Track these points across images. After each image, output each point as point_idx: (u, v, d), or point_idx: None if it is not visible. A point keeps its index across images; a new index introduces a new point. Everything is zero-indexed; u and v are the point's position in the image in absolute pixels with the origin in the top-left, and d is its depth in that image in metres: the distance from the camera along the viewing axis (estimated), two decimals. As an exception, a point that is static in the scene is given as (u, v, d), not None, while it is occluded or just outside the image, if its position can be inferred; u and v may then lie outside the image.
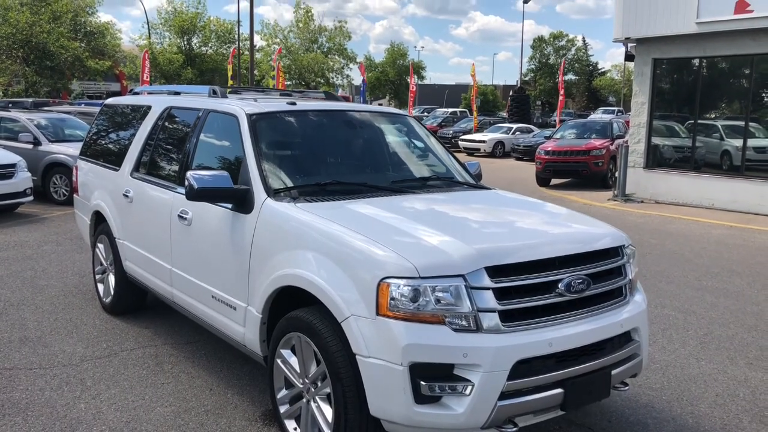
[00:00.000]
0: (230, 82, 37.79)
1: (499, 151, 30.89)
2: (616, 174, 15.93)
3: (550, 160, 18.29)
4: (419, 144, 5.21)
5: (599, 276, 3.65)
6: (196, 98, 5.50)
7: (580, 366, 3.43)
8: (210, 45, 46.80)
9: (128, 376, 4.88)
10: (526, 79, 72.53)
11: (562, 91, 35.01)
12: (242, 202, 4.19)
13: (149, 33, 45.47)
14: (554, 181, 18.89)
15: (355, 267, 3.38)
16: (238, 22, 45.07)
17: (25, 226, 10.76)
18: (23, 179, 11.52)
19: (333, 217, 3.73)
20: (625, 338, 3.75)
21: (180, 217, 4.79)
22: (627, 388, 3.87)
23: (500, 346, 3.19)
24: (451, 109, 45.54)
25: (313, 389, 3.66)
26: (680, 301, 7.09)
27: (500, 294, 3.27)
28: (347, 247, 3.47)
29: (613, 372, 3.59)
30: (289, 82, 47.47)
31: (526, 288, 3.37)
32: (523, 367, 3.26)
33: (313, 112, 4.88)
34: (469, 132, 34.21)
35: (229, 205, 4.30)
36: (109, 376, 4.89)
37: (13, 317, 6.15)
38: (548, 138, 22.48)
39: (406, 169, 4.78)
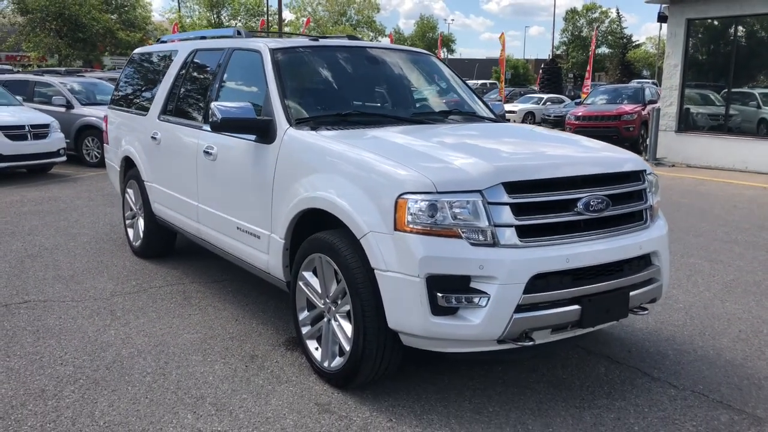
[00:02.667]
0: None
1: (529, 121, 30.59)
2: (648, 140, 15.69)
3: (580, 126, 18.10)
4: (441, 81, 5.22)
5: (619, 198, 3.65)
6: (221, 40, 5.56)
7: (597, 284, 3.45)
8: (239, 18, 46.89)
9: (156, 309, 5.02)
10: (558, 52, 71.51)
11: (591, 61, 34.41)
12: (265, 133, 4.26)
13: (179, 6, 45.74)
14: (584, 148, 18.66)
15: (374, 185, 3.43)
16: (268, -6, 45.05)
17: (58, 184, 11.01)
18: (56, 140, 11.76)
19: (352, 142, 3.78)
20: (644, 262, 3.74)
21: (206, 153, 4.88)
22: (646, 312, 3.87)
23: (516, 259, 3.21)
24: (481, 81, 45.10)
25: (333, 308, 3.73)
26: (708, 252, 7.03)
27: (518, 210, 3.30)
28: (365, 167, 3.53)
29: (632, 293, 3.59)
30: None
31: (544, 205, 3.38)
32: (540, 282, 3.29)
33: (335, 48, 4.92)
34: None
35: (253, 137, 4.37)
36: (138, 308, 5.03)
37: (47, 259, 6.33)
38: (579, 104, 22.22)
39: (428, 103, 4.79)
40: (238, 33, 5.39)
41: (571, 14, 74.16)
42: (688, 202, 10.28)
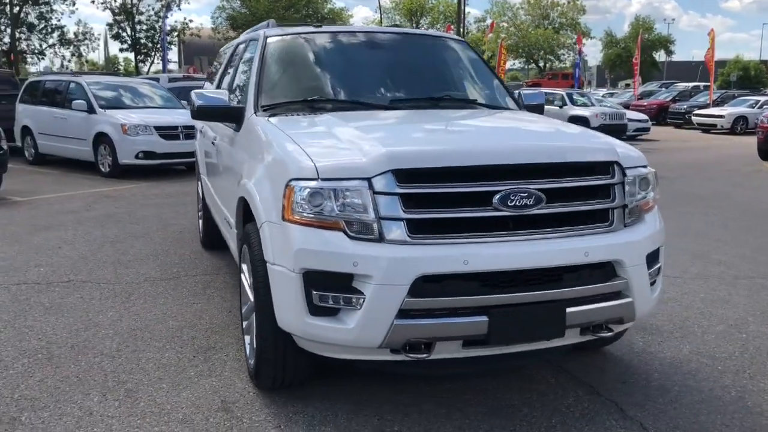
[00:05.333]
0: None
1: (740, 127, 27.37)
2: None
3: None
4: (457, 68, 4.75)
5: (565, 193, 3.04)
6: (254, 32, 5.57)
7: (513, 294, 2.90)
8: (437, 26, 47.54)
9: (171, 295, 5.14)
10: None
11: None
12: (238, 120, 4.18)
13: (381, 17, 47.42)
14: (780, 155, 16.30)
15: (275, 172, 3.21)
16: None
17: (177, 181, 11.84)
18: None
19: (284, 128, 3.55)
20: (606, 273, 3.09)
21: (212, 143, 4.92)
22: (610, 333, 3.20)
23: (397, 257, 2.80)
24: (693, 84, 41.33)
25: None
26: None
27: (411, 201, 2.87)
28: (275, 153, 3.31)
29: (570, 309, 2.97)
30: (514, 61, 46.49)
31: (447, 197, 2.91)
32: (434, 286, 2.84)
33: (336, 34, 4.68)
34: (705, 107, 30.74)
35: (234, 125, 4.31)
36: (156, 293, 5.19)
37: (125, 245, 6.79)
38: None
39: (422, 90, 4.36)
40: (267, 25, 5.36)
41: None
42: None
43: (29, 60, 40.13)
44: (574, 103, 22.67)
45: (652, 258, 3.29)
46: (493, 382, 3.63)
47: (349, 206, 2.88)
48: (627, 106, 30.06)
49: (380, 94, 4.19)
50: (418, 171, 2.90)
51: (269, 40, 4.50)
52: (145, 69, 41.65)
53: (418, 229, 2.86)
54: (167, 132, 12.20)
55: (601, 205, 3.12)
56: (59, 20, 37.77)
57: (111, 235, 7.23)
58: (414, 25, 46.38)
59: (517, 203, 2.91)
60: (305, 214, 2.92)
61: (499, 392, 3.52)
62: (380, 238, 2.85)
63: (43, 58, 38.89)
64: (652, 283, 3.32)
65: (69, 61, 40.17)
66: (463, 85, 4.64)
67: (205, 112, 4.19)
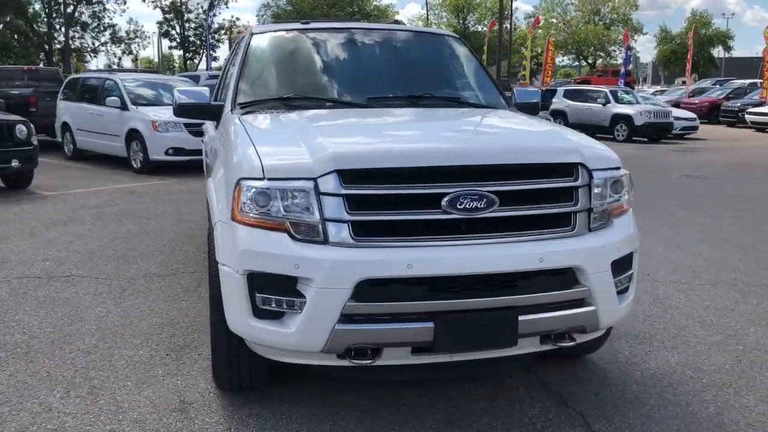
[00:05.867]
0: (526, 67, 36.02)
1: (787, 127, 26.25)
2: None
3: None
4: (445, 66, 4.63)
5: (522, 196, 2.92)
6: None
7: (461, 300, 2.79)
8: (484, 22, 47.01)
9: (163, 292, 5.16)
10: None
11: None
12: (218, 118, 4.16)
13: (428, 14, 47.21)
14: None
15: (230, 171, 3.17)
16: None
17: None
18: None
19: (248, 126, 3.50)
20: (566, 280, 2.95)
21: (202, 141, 4.92)
22: (573, 343, 3.06)
23: (339, 260, 2.72)
24: (749, 81, 39.80)
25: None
26: None
27: (355, 203, 2.79)
28: (232, 151, 3.26)
29: (523, 318, 2.85)
30: (563, 58, 45.64)
31: (393, 199, 2.81)
32: (379, 290, 2.75)
33: (322, 31, 4.61)
34: (760, 104, 29.57)
35: (215, 123, 4.30)
36: (150, 289, 5.23)
37: (136, 241, 6.87)
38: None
39: (403, 88, 4.24)
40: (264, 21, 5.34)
41: None
42: None
43: (88, 58, 41.32)
44: (618, 100, 22.13)
45: (622, 265, 3.13)
46: (459, 389, 3.52)
47: (294, 207, 2.82)
48: (677, 104, 29.20)
49: (359, 93, 4.10)
50: (364, 172, 2.82)
51: (254, 37, 4.48)
52: (194, 66, 42.41)
53: (362, 232, 2.78)
54: (196, 128, 12.32)
55: (562, 209, 2.98)
56: (111, 19, 38.94)
57: (124, 231, 7.34)
58: (461, 21, 46.01)
59: (467, 206, 2.80)
60: (252, 215, 2.87)
61: (463, 400, 3.41)
62: (325, 241, 2.78)
63: (95, 56, 40.00)
64: (622, 291, 3.16)
65: (120, 58, 41.22)
66: (449, 82, 4.51)
67: (185, 110, 4.19)
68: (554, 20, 49.56)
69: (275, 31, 4.63)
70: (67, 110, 14.26)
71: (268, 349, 2.98)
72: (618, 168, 3.23)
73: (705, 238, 7.16)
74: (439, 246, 2.80)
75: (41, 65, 29.16)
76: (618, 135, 21.41)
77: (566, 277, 2.95)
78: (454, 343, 2.85)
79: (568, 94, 23.73)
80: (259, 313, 2.87)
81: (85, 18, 37.12)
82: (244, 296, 2.87)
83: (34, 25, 35.11)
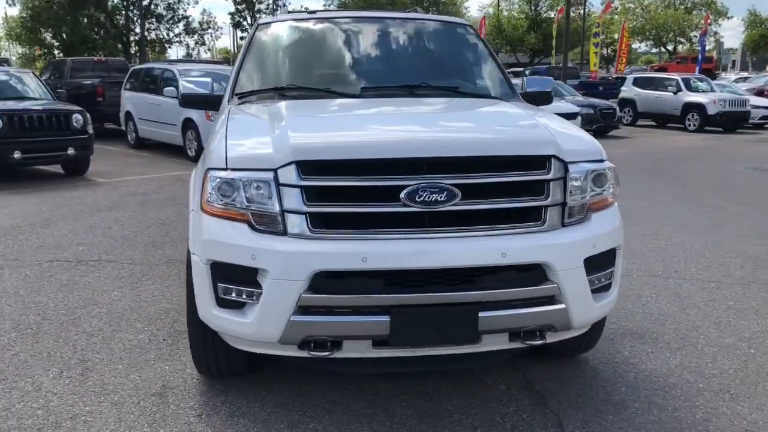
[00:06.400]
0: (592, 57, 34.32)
1: None
2: None
3: None
4: (447, 53, 4.53)
5: (486, 189, 2.83)
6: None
7: (418, 294, 2.75)
8: (557, 8, 45.80)
9: (179, 279, 5.24)
10: None
11: None
12: (218, 108, 4.22)
13: (499, 1, 46.41)
14: None
15: (204, 161, 3.21)
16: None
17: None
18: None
19: (232, 116, 3.53)
20: (534, 276, 2.85)
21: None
22: (542, 342, 2.96)
23: (293, 252, 2.72)
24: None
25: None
26: None
27: (313, 194, 2.77)
28: (210, 142, 3.31)
29: (483, 314, 2.77)
30: (639, 44, 43.97)
31: (352, 191, 2.78)
32: (335, 282, 2.74)
33: (324, 21, 4.59)
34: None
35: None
36: (168, 275, 5.37)
37: (170, 227, 7.08)
38: None
39: (400, 78, 4.15)
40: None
41: None
42: None
43: (168, 49, 42.62)
44: (690, 88, 21.21)
45: (599, 262, 3.00)
46: (437, 383, 3.46)
47: (256, 198, 2.83)
48: (761, 92, 27.70)
49: (353, 82, 4.08)
50: (322, 163, 2.80)
51: (259, 28, 4.51)
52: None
53: (320, 224, 2.77)
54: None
55: (531, 203, 2.88)
56: (185, 10, 40.04)
57: (163, 217, 7.56)
58: (532, 8, 44.95)
59: (426, 199, 2.74)
60: (216, 205, 2.91)
61: (438, 395, 3.36)
62: (284, 232, 2.79)
63: (170, 47, 41.23)
64: (600, 289, 3.04)
65: (193, 49, 42.37)
66: (450, 72, 4.40)
67: (189, 100, 4.28)
68: (631, 5, 47.82)
69: (280, 21, 4.65)
70: (130, 100, 14.78)
71: (232, 338, 3.02)
72: (601, 161, 3.09)
73: (751, 235, 6.79)
74: (396, 240, 2.76)
75: (120, 56, 30.27)
76: (689, 125, 20.55)
77: (534, 273, 2.85)
78: (411, 337, 2.80)
79: (637, 82, 22.89)
80: (221, 302, 2.90)
81: (160, 10, 38.39)
82: (208, 285, 2.92)
83: (113, 18, 36.47)
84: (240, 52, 4.56)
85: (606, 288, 3.10)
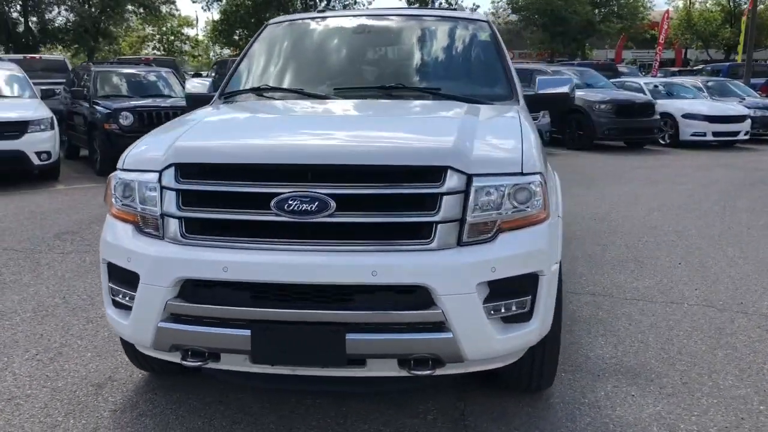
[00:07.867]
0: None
1: None
2: None
3: None
4: (442, 53, 4.22)
5: (365, 201, 2.59)
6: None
7: (278, 310, 2.58)
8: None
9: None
10: None
11: None
12: (216, 107, 4.29)
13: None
14: None
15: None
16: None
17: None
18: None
19: (189, 117, 3.55)
20: (417, 299, 2.57)
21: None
22: (427, 372, 2.65)
23: (156, 257, 2.69)
24: None
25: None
26: None
27: (187, 199, 2.71)
28: None
29: (351, 336, 2.54)
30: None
31: (224, 197, 2.68)
32: (203, 291, 2.67)
33: (326, 20, 4.49)
34: None
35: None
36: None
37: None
38: None
39: (379, 78, 3.93)
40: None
41: None
42: None
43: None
44: None
45: (507, 288, 2.63)
46: (360, 406, 3.24)
47: (145, 199, 2.82)
48: None
49: (329, 83, 3.94)
50: (198, 167, 2.74)
51: (267, 28, 4.52)
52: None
53: (191, 229, 2.70)
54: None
55: (416, 218, 2.58)
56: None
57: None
58: (729, 2, 40.61)
59: (296, 209, 2.56)
60: (117, 205, 2.94)
61: (354, 418, 3.14)
62: (163, 236, 2.75)
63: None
64: (511, 319, 2.67)
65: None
66: (439, 71, 4.09)
67: (192, 100, 4.37)
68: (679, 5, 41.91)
69: (288, 21, 4.61)
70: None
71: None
72: (521, 174, 2.70)
73: None
74: (261, 251, 2.61)
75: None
76: None
77: (417, 296, 2.56)
78: (273, 355, 2.65)
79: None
80: (113, 302, 2.93)
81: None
82: (105, 285, 2.96)
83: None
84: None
85: (522, 318, 2.71)
